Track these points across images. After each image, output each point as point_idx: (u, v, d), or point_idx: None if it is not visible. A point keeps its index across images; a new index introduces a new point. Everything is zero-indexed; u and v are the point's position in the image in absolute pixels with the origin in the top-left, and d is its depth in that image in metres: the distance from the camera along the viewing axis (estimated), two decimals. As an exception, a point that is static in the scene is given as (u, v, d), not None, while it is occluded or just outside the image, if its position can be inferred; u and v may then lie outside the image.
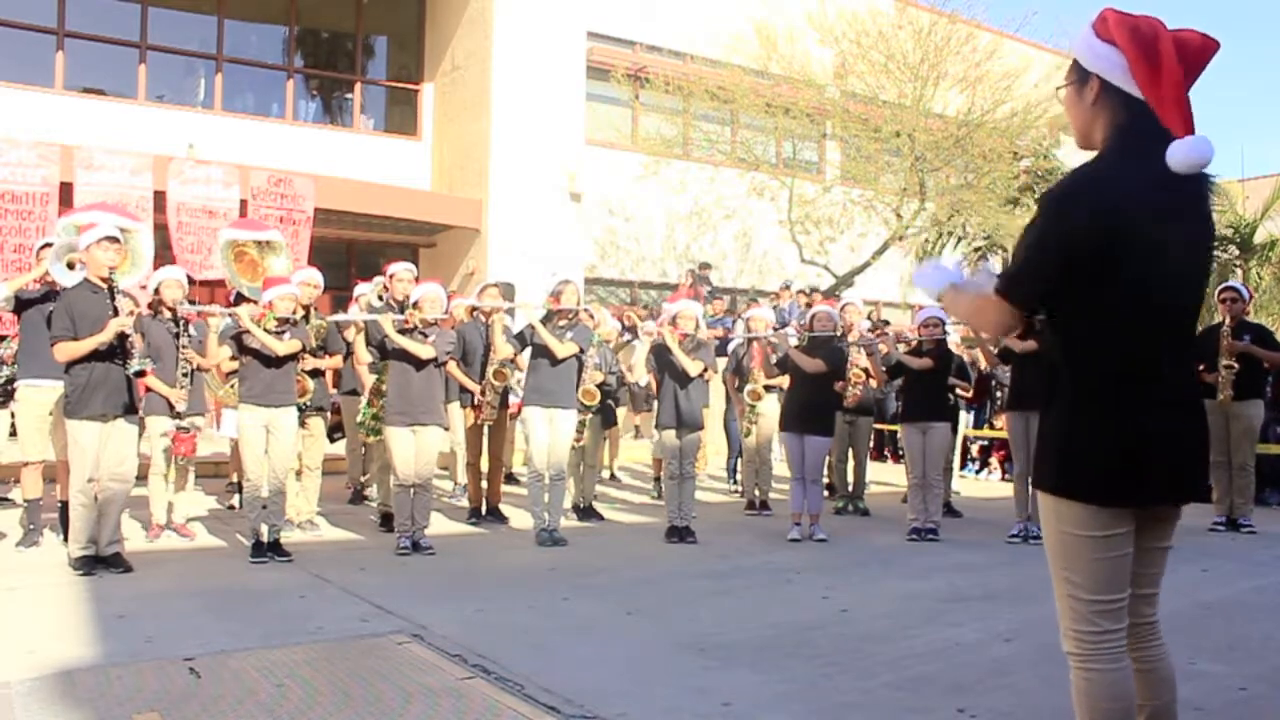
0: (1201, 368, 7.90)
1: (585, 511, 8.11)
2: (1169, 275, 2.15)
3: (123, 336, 5.54)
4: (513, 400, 8.04)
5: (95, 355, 5.48)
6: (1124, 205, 2.10)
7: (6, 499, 8.07)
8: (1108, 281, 2.12)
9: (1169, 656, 2.31)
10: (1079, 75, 2.25)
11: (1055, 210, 2.17)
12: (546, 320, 6.99)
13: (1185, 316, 2.25)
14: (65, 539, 6.01)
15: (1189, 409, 2.22)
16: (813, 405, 7.35)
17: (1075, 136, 2.31)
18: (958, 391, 8.68)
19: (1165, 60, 2.09)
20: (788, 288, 14.65)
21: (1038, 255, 2.18)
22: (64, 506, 6.08)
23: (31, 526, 6.35)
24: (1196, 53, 2.13)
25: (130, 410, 5.72)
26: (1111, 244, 2.09)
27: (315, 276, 7.29)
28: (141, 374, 5.72)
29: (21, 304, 6.30)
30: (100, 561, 5.57)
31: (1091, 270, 2.12)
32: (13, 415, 6.63)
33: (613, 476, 10.65)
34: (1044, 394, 2.31)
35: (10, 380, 6.69)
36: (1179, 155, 2.06)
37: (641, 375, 8.71)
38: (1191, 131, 2.08)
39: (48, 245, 6.47)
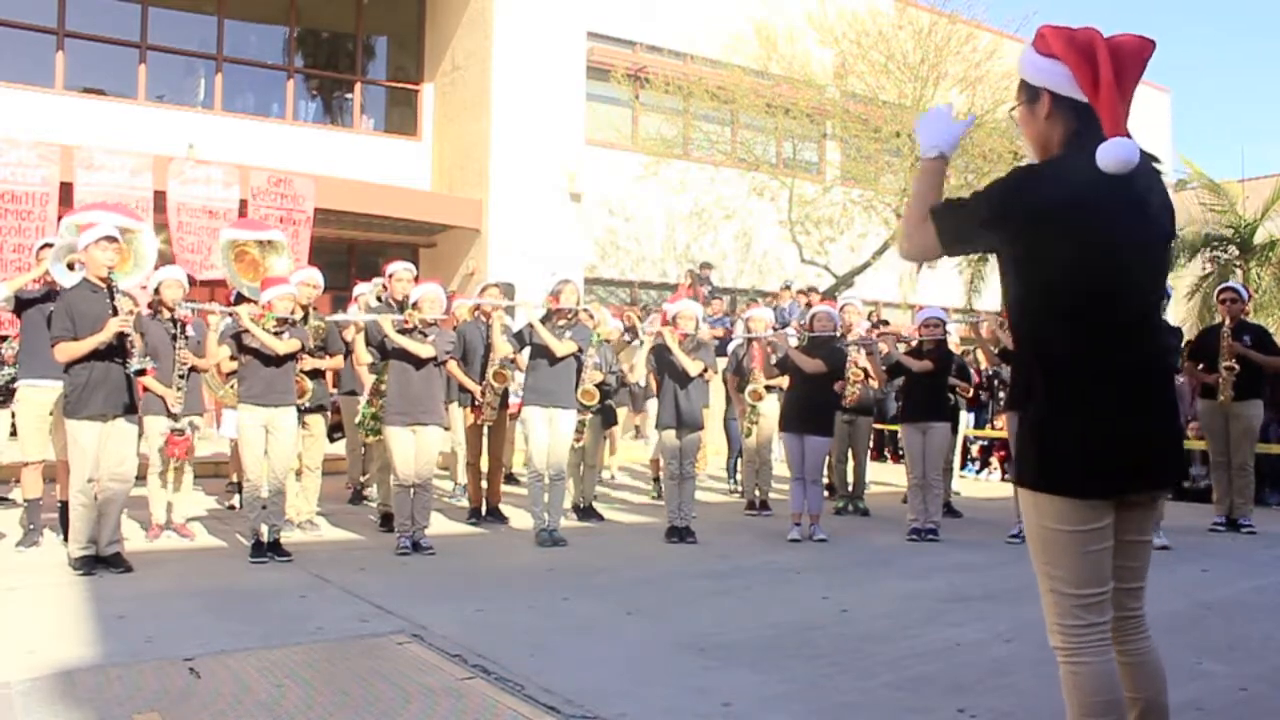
0: (1201, 368, 7.92)
1: (585, 511, 8.11)
2: (1130, 266, 2.21)
3: (122, 336, 5.53)
4: (513, 400, 8.04)
5: (95, 355, 5.47)
6: (1084, 195, 2.16)
7: (6, 499, 8.07)
8: (1065, 268, 2.18)
9: (1156, 650, 2.35)
10: (1029, 94, 2.33)
11: (1019, 182, 2.24)
12: (546, 320, 6.99)
13: (1149, 307, 2.30)
14: (65, 539, 6.01)
15: (1159, 398, 2.26)
16: (812, 405, 7.35)
17: (1035, 153, 2.37)
18: (958, 391, 8.69)
19: (1101, 65, 2.18)
20: (788, 288, 14.65)
21: (983, 203, 2.26)
22: (64, 506, 6.08)
23: (31, 526, 6.35)
24: (1134, 54, 2.22)
25: (130, 410, 5.72)
26: (1070, 228, 2.16)
27: (315, 277, 7.29)
28: (142, 373, 5.72)
29: (21, 304, 6.30)
30: (100, 561, 5.57)
31: (1045, 252, 2.19)
32: (13, 415, 6.63)
33: (612, 477, 10.65)
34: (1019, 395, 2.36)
35: (11, 380, 6.69)
36: (1107, 156, 2.13)
37: (641, 375, 8.71)
38: (1122, 133, 2.14)
39: (48, 245, 6.48)
